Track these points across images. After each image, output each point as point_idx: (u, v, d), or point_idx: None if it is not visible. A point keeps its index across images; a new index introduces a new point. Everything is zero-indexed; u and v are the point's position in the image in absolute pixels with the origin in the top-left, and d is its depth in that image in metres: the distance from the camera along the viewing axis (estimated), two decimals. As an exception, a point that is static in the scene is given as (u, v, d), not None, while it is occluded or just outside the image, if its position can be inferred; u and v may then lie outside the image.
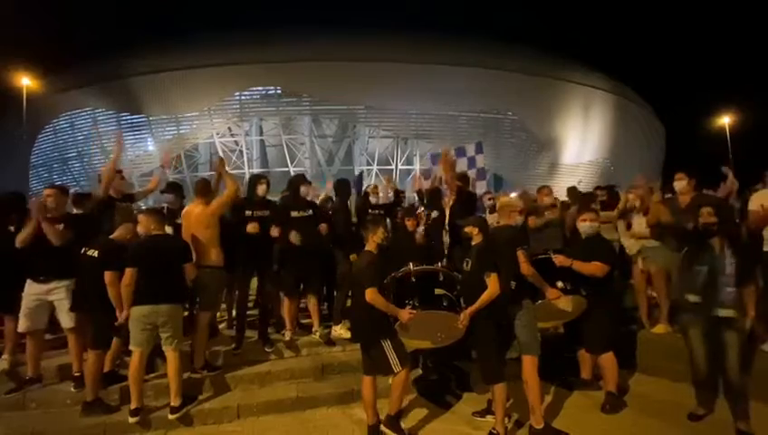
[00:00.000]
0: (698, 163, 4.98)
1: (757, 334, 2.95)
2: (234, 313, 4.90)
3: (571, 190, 5.09)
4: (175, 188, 4.16)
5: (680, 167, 4.14)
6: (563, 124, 23.69)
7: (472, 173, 6.61)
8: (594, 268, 3.31)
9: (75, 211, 4.27)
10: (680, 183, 3.96)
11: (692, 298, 3.07)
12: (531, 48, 24.26)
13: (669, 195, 4.39)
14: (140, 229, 3.40)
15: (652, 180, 4.45)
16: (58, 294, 3.51)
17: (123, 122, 22.70)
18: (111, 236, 3.44)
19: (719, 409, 3.17)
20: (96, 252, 3.36)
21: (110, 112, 22.78)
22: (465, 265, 3.12)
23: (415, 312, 3.02)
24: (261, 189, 4.05)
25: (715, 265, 2.98)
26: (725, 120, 21.67)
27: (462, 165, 6.76)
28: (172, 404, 3.22)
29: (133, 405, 3.16)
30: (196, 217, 3.74)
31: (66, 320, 3.52)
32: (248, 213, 3.93)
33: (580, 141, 24.64)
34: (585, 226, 3.48)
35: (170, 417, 3.20)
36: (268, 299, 4.26)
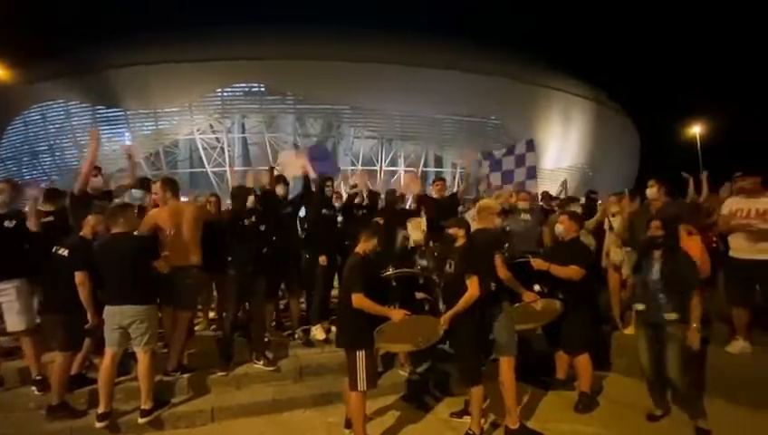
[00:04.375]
0: (670, 170, 5.16)
1: (692, 342, 3.02)
2: (210, 314, 4.84)
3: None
4: (145, 184, 4.03)
5: (653, 174, 4.30)
6: (545, 130, 24.17)
7: (521, 172, 6.46)
8: (570, 272, 3.39)
9: (45, 208, 4.10)
10: (651, 190, 4.12)
11: (638, 306, 3.22)
12: (515, 54, 24.67)
13: (641, 200, 4.55)
14: (101, 228, 3.31)
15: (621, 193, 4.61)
16: (7, 295, 3.34)
17: (98, 116, 21.95)
18: (81, 234, 3.32)
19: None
20: (66, 251, 3.24)
21: (85, 105, 21.99)
22: (447, 266, 3.13)
23: (408, 313, 2.96)
24: (250, 201, 3.98)
25: (650, 274, 3.12)
26: (696, 130, 22.59)
27: (509, 163, 6.59)
28: (142, 407, 3.12)
29: (101, 409, 3.04)
30: (192, 216, 3.66)
31: (15, 322, 3.36)
32: (246, 222, 3.86)
33: (561, 147, 25.21)
34: (558, 228, 3.59)
35: (140, 421, 3.10)
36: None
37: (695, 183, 4.95)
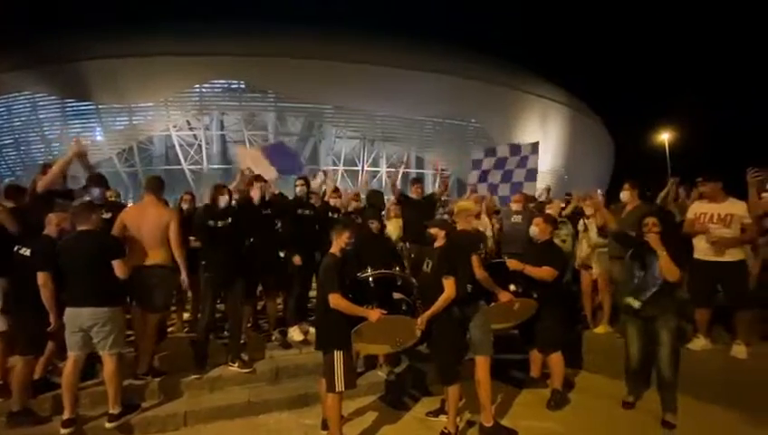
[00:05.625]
0: (642, 174, 5.36)
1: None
2: (185, 315, 4.72)
3: None
4: (99, 182, 3.90)
5: (626, 177, 4.48)
6: (523, 133, 24.71)
7: (520, 173, 6.47)
8: (544, 272, 3.48)
9: (8, 205, 3.90)
10: (625, 193, 4.28)
11: (626, 300, 3.33)
12: (495, 58, 25.12)
13: (615, 204, 4.72)
14: (67, 226, 3.18)
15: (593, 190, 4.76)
16: None
17: (68, 109, 21.06)
18: (45, 232, 3.17)
19: (647, 400, 3.45)
20: (28, 251, 3.09)
21: (53, 97, 21.04)
22: (425, 266, 3.15)
23: (385, 312, 2.94)
24: (223, 200, 3.86)
25: (650, 269, 3.23)
26: (665, 136, 23.61)
27: (512, 164, 6.60)
28: (110, 412, 3.01)
29: (66, 415, 2.92)
30: (154, 216, 3.54)
31: None
32: (210, 223, 3.75)
33: (539, 151, 25.79)
34: (533, 230, 3.68)
35: (107, 426, 2.98)
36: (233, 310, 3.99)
37: (677, 187, 5.14)
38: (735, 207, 3.67)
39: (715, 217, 3.71)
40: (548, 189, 7.19)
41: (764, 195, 3.56)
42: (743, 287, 3.70)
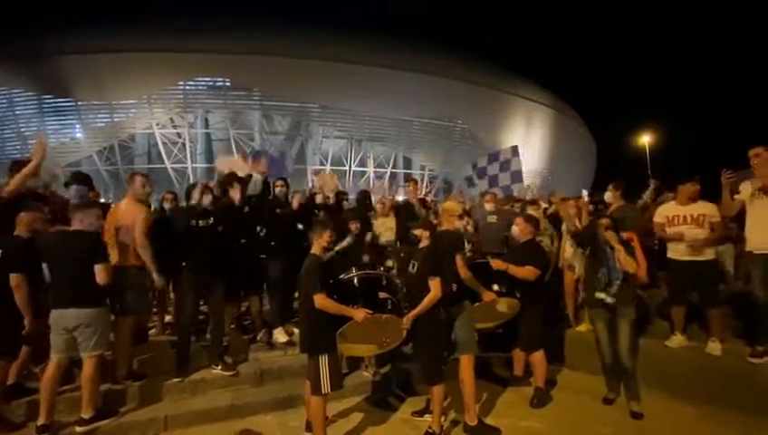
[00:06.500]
0: (623, 175, 5.50)
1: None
2: (166, 317, 4.63)
3: None
4: (84, 180, 3.76)
5: (609, 179, 4.61)
6: (509, 134, 25.03)
7: (505, 176, 6.80)
8: (527, 272, 3.53)
9: None
10: (608, 193, 4.40)
11: (597, 295, 3.44)
12: (482, 60, 25.36)
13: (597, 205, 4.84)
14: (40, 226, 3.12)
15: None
16: None
17: (45, 105, 20.43)
18: (16, 233, 3.07)
19: (624, 396, 3.53)
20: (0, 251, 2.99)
21: (30, 93, 20.38)
22: (411, 266, 3.15)
23: (370, 311, 2.93)
24: (206, 199, 3.79)
25: (608, 265, 3.37)
26: (646, 139, 24.22)
27: (494, 169, 6.97)
28: (82, 415, 2.92)
29: (41, 421, 2.83)
30: (133, 214, 3.46)
31: None
32: (192, 223, 3.68)
33: (523, 151, 26.11)
34: (514, 230, 3.74)
35: (77, 430, 2.89)
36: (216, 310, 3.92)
37: (656, 190, 5.29)
38: (706, 208, 3.79)
39: (688, 219, 3.82)
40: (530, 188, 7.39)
41: (737, 196, 3.66)
42: (715, 285, 3.84)
